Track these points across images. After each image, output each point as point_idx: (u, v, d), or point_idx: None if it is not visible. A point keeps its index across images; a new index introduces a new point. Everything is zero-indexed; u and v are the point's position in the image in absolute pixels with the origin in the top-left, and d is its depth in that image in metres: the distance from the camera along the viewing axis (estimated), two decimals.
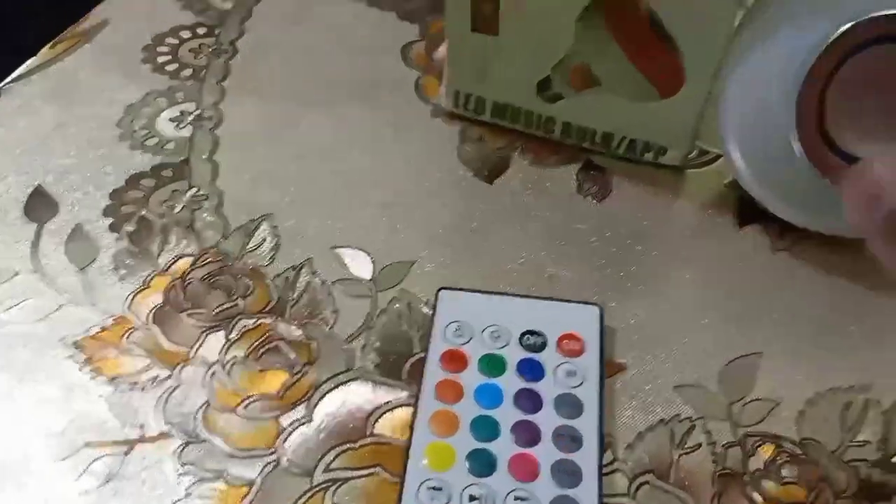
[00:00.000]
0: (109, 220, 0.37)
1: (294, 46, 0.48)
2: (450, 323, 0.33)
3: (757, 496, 0.29)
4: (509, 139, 0.42)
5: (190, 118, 0.43)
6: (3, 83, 0.45)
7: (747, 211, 0.38)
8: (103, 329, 0.33)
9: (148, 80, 0.45)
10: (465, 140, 0.42)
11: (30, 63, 0.46)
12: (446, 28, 0.39)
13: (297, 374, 0.32)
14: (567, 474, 0.28)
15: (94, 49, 0.47)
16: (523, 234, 0.38)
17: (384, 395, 0.31)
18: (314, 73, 0.46)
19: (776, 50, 0.31)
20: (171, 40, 0.48)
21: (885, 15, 0.28)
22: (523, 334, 0.32)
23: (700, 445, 0.30)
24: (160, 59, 0.47)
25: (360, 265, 0.36)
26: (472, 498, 0.27)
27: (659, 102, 0.38)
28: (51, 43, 0.48)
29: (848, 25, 0.29)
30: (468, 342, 0.32)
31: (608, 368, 0.32)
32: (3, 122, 0.43)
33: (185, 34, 0.48)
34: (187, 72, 0.46)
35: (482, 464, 0.28)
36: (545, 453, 0.29)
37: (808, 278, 0.36)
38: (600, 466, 0.28)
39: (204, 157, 0.41)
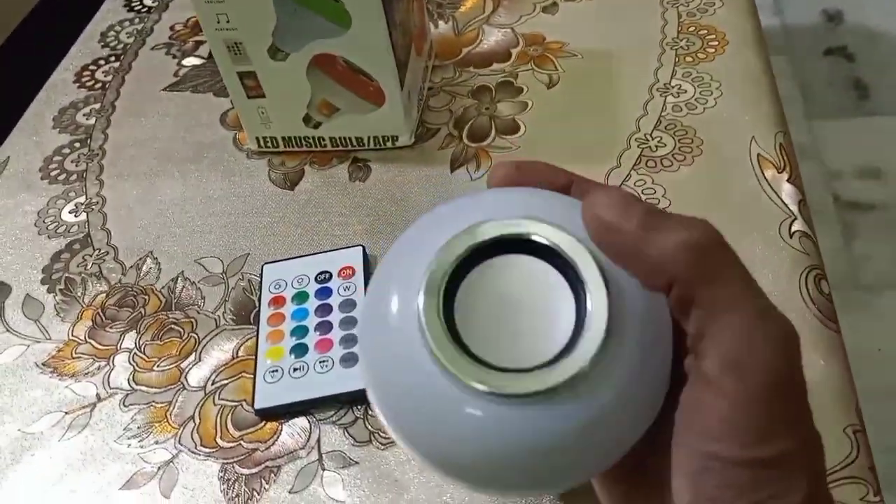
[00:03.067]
0: (46, 286, 0.56)
1: (144, 137, 0.67)
2: (272, 282, 0.52)
3: None
4: (301, 158, 0.62)
5: (83, 207, 0.61)
6: None
7: (457, 163, 0.58)
8: (59, 350, 0.52)
9: (47, 191, 0.64)
10: (272, 167, 0.62)
11: None
12: (232, 99, 0.59)
13: (185, 338, 0.51)
14: (350, 341, 0.47)
15: (3, 181, 0.65)
16: (317, 216, 0.57)
17: (241, 334, 0.50)
18: (162, 152, 0.65)
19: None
20: (57, 158, 0.67)
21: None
22: (318, 274, 0.52)
23: None
24: (53, 173, 0.65)
25: (214, 265, 0.55)
26: (295, 369, 0.47)
27: (378, 110, 0.58)
28: None
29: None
30: (284, 289, 0.51)
31: None
32: None
33: (66, 150, 0.67)
34: (73, 177, 0.64)
35: (300, 350, 0.47)
36: (336, 334, 0.48)
37: None
38: None
39: (99, 228, 0.59)
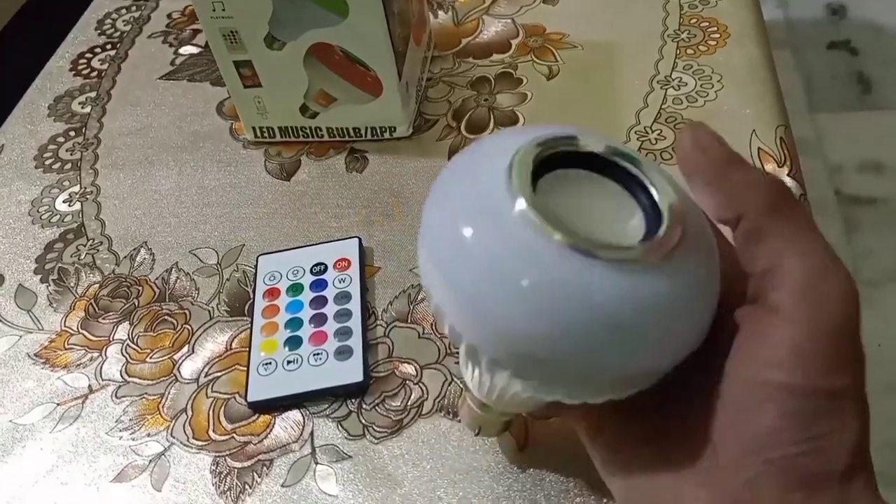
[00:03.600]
0: (39, 276, 0.55)
1: (140, 126, 0.66)
2: (266, 273, 0.51)
3: None
4: (297, 148, 0.61)
5: (77, 196, 0.61)
6: None
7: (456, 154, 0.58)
8: (51, 342, 0.51)
9: (41, 180, 0.63)
10: (268, 157, 0.61)
11: None
12: (228, 88, 0.58)
13: (178, 330, 0.50)
14: (344, 334, 0.47)
15: None
16: (313, 207, 0.56)
17: (235, 326, 0.50)
18: (158, 141, 0.64)
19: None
20: (52, 146, 0.66)
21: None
22: (313, 266, 0.51)
23: (425, 298, 0.49)
24: (47, 162, 0.65)
25: (208, 256, 0.55)
26: (289, 362, 0.46)
27: (375, 101, 0.57)
28: None
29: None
30: (279, 281, 0.51)
31: (369, 270, 0.51)
32: None
33: (61, 139, 0.66)
34: (68, 166, 0.64)
35: (294, 343, 0.47)
36: (330, 327, 0.47)
37: None
38: (365, 324, 0.47)
39: (93, 218, 0.59)
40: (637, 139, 0.56)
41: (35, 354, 0.51)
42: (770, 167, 0.51)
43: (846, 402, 0.23)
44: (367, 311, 0.49)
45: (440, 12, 0.71)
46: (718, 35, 0.63)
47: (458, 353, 0.44)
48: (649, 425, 0.28)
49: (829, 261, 0.23)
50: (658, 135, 0.56)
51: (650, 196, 0.26)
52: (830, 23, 1.71)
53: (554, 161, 0.26)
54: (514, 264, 0.23)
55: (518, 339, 0.23)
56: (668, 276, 0.24)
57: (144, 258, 0.55)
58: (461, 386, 0.44)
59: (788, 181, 0.51)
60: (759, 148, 0.53)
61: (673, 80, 0.60)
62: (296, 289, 0.50)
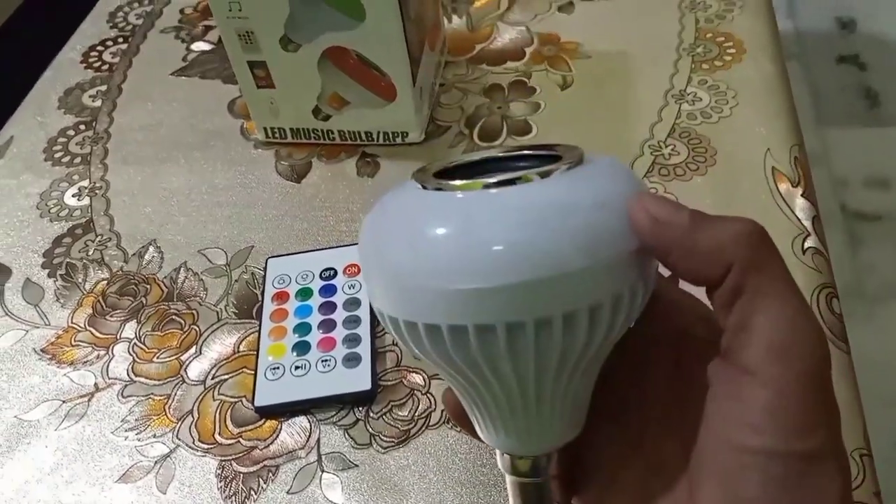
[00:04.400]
0: (47, 270, 0.55)
1: (151, 121, 0.66)
2: (276, 276, 0.51)
3: None
4: (308, 150, 0.61)
5: (86, 191, 0.61)
6: None
7: None
8: (58, 337, 0.51)
9: (50, 173, 0.63)
10: (279, 158, 0.61)
11: None
12: (241, 88, 0.58)
13: (186, 330, 0.50)
14: (353, 341, 0.47)
15: (6, 161, 0.65)
16: (323, 210, 0.56)
17: (243, 328, 0.50)
18: (168, 138, 0.64)
19: None
20: (62, 139, 0.66)
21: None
22: (322, 271, 0.51)
23: None
24: (56, 155, 0.64)
25: (217, 257, 0.54)
26: (296, 367, 0.46)
27: (389, 106, 0.57)
28: None
29: None
30: (289, 284, 0.51)
31: None
32: None
33: (71, 132, 0.66)
34: (78, 160, 0.64)
35: (302, 348, 0.47)
36: (339, 333, 0.47)
37: None
38: (374, 332, 0.47)
39: (102, 213, 0.59)
40: (651, 153, 0.56)
41: (41, 350, 0.50)
42: (784, 187, 0.51)
43: (825, 462, 0.23)
44: (376, 319, 0.49)
45: (454, 17, 0.71)
46: (734, 51, 0.63)
47: None
48: (638, 493, 0.28)
49: (799, 315, 0.23)
50: (672, 150, 0.56)
51: (545, 156, 0.27)
52: (840, 36, 1.71)
53: (447, 174, 0.27)
54: (460, 220, 0.24)
55: (517, 269, 0.24)
56: (565, 183, 0.25)
57: (153, 256, 0.55)
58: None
59: (801, 202, 0.51)
60: (773, 167, 0.53)
61: (688, 94, 0.60)
62: (305, 293, 0.50)
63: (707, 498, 0.24)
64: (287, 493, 0.42)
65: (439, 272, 0.24)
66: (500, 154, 0.28)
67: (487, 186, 0.24)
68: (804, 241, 0.48)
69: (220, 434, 0.44)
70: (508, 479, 0.30)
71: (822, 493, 0.22)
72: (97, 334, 0.51)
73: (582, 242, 0.24)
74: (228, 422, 0.45)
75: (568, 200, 0.24)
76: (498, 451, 0.29)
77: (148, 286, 0.53)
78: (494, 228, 0.23)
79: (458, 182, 0.25)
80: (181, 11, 0.77)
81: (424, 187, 0.26)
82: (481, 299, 0.23)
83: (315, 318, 0.48)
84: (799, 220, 0.49)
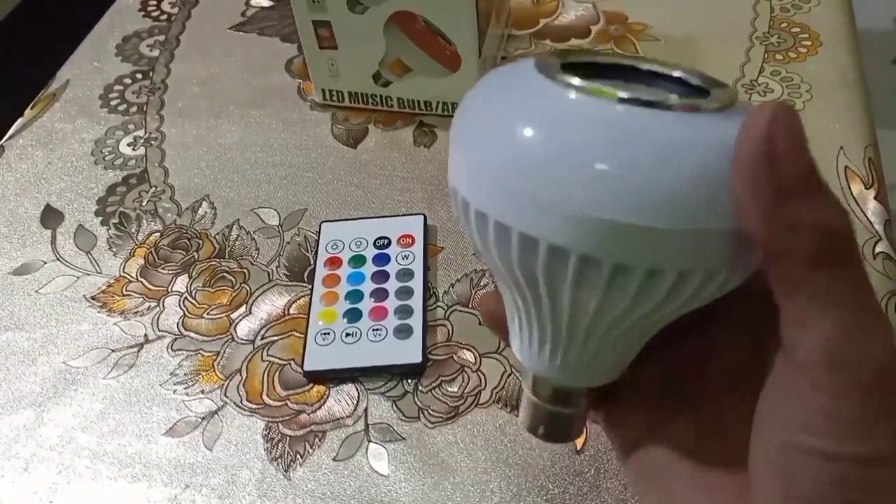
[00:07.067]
0: (100, 218, 0.55)
1: (207, 75, 0.65)
2: (329, 241, 0.51)
3: None
4: (366, 116, 0.60)
5: (142, 141, 0.60)
6: (3, 141, 0.62)
7: None
8: (109, 286, 0.51)
9: (106, 120, 0.62)
10: (335, 122, 0.60)
11: (18, 123, 0.64)
12: (303, 47, 0.57)
13: (237, 289, 0.50)
14: (405, 312, 0.46)
15: (62, 105, 0.64)
16: (378, 178, 0.56)
17: (294, 291, 0.49)
18: (224, 93, 0.63)
19: None
20: (118, 87, 0.65)
21: None
22: (376, 239, 0.50)
23: (488, 284, 0.48)
24: (112, 103, 0.64)
25: (270, 217, 0.54)
26: (347, 334, 0.46)
27: (451, 75, 0.56)
28: (31, 105, 0.65)
29: None
30: (342, 251, 0.50)
31: (432, 250, 0.50)
32: (10, 167, 0.60)
33: (127, 81, 0.66)
34: (133, 108, 0.63)
35: (353, 316, 0.46)
36: (391, 303, 0.47)
37: None
38: (426, 305, 0.47)
39: (156, 165, 0.58)
40: None
41: (92, 297, 0.50)
42: (857, 188, 0.50)
43: (886, 467, 0.22)
44: (428, 291, 0.48)
45: None
46: (810, 43, 0.61)
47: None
48: (686, 446, 0.27)
49: (861, 320, 0.22)
50: None
51: (688, 85, 0.24)
52: None
53: (574, 70, 0.24)
54: (589, 137, 0.21)
55: (617, 207, 0.21)
56: (732, 121, 0.21)
57: (206, 212, 0.55)
58: (518, 378, 0.43)
59: (874, 205, 0.49)
60: (846, 167, 0.51)
61: (759, 84, 0.58)
62: (358, 260, 0.49)
63: (763, 486, 0.24)
64: (333, 459, 0.41)
65: (532, 177, 0.21)
66: (642, 66, 0.25)
67: (624, 101, 0.21)
68: (875, 245, 0.47)
69: (267, 395, 0.44)
70: (527, 396, 0.29)
71: (882, 497, 0.22)
72: (149, 286, 0.51)
73: (710, 204, 0.21)
74: (276, 384, 0.45)
75: (710, 152, 0.21)
76: (526, 368, 0.28)
77: (200, 241, 0.53)
78: (612, 152, 0.21)
79: (587, 84, 0.22)
80: None
81: (550, 78, 0.23)
82: (564, 221, 0.21)
83: (367, 287, 0.48)
84: (871, 223, 0.48)
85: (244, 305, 0.49)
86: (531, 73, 0.23)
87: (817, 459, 0.22)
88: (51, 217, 0.56)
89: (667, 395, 0.28)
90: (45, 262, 0.53)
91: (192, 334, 0.48)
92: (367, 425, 0.43)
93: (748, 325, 0.27)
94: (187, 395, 0.45)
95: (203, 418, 0.44)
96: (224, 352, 0.47)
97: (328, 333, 0.46)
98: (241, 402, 0.44)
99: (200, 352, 0.47)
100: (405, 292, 0.47)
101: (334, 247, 0.50)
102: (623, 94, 0.21)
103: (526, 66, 0.24)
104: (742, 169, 0.21)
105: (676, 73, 0.24)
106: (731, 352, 0.27)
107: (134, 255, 0.53)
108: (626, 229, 0.21)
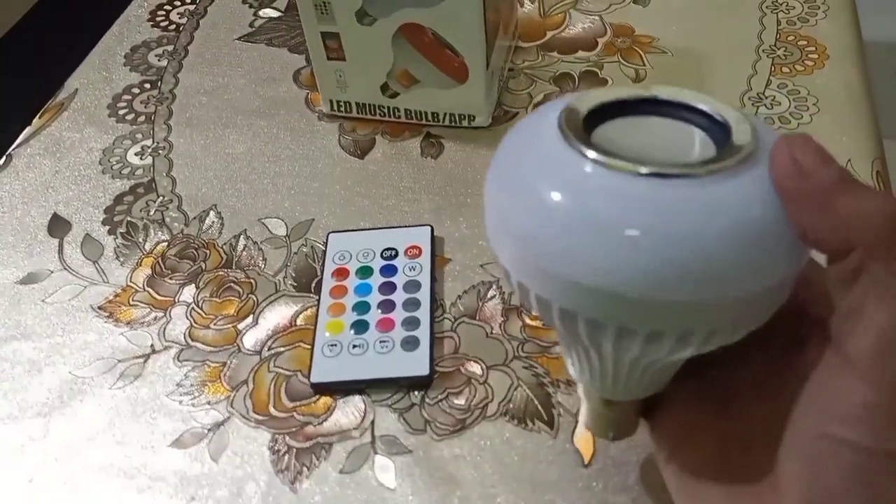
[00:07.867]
0: (107, 227, 0.55)
1: (215, 85, 0.65)
2: (336, 252, 0.51)
3: (525, 317, 0.47)
4: (373, 126, 0.60)
5: (149, 150, 0.61)
6: (10, 149, 0.63)
7: None
8: (116, 296, 0.51)
9: (114, 129, 0.63)
10: (342, 132, 0.60)
11: (26, 131, 0.64)
12: (311, 58, 0.57)
13: (244, 299, 0.50)
14: (412, 324, 0.46)
15: (70, 114, 0.65)
16: (385, 189, 0.56)
17: (300, 302, 0.49)
18: (232, 103, 0.64)
19: None
20: (126, 97, 0.66)
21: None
22: (383, 250, 0.50)
23: (495, 296, 0.48)
24: (121, 112, 0.64)
25: (277, 227, 0.54)
26: (354, 346, 0.46)
27: (459, 87, 0.56)
28: (39, 114, 0.65)
29: None
30: (349, 261, 0.50)
31: (439, 261, 0.50)
32: (17, 176, 0.60)
33: (136, 90, 0.66)
34: (142, 118, 0.63)
35: (360, 327, 0.46)
36: (398, 315, 0.47)
37: None
38: (433, 316, 0.47)
39: (164, 174, 0.59)
40: None
41: (99, 307, 0.50)
42: None
43: None
44: (436, 303, 0.48)
45: (526, 1, 0.70)
46: (817, 56, 0.61)
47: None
48: (714, 454, 0.28)
49: None
50: None
51: (708, 117, 0.25)
52: None
53: (601, 113, 0.26)
54: (611, 212, 0.22)
55: (647, 285, 0.22)
56: (758, 176, 0.23)
57: (213, 221, 0.55)
58: (526, 391, 0.43)
59: None
60: None
61: (766, 97, 0.58)
62: (365, 271, 0.49)
63: (790, 478, 0.24)
64: (339, 472, 0.41)
65: (562, 257, 0.23)
66: (661, 97, 0.26)
67: (649, 175, 0.22)
68: None
69: (274, 406, 0.44)
70: (585, 405, 0.33)
71: None
72: (155, 295, 0.51)
73: (735, 273, 0.22)
74: (283, 395, 0.45)
75: (733, 218, 0.22)
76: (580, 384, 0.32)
77: (207, 251, 0.53)
78: (640, 233, 0.22)
79: (606, 160, 0.23)
80: None
81: (572, 146, 0.24)
82: (597, 296, 0.23)
83: (374, 298, 0.48)
84: None
85: (251, 316, 0.49)
86: (553, 135, 0.25)
87: (849, 452, 0.22)
88: (58, 226, 0.56)
89: (701, 406, 0.29)
90: (52, 272, 0.53)
91: (198, 345, 0.48)
92: (373, 437, 0.42)
93: (778, 341, 0.27)
94: (193, 405, 0.45)
95: (209, 429, 0.44)
96: (231, 363, 0.47)
97: (335, 345, 0.46)
98: (247, 413, 0.44)
99: (207, 362, 0.47)
100: (412, 304, 0.47)
101: (342, 258, 0.50)
102: (643, 170, 0.22)
103: (549, 126, 0.25)
104: (790, 196, 0.22)
105: (701, 106, 0.26)
106: (761, 366, 0.28)
107: (141, 265, 0.53)
108: (656, 304, 0.23)
